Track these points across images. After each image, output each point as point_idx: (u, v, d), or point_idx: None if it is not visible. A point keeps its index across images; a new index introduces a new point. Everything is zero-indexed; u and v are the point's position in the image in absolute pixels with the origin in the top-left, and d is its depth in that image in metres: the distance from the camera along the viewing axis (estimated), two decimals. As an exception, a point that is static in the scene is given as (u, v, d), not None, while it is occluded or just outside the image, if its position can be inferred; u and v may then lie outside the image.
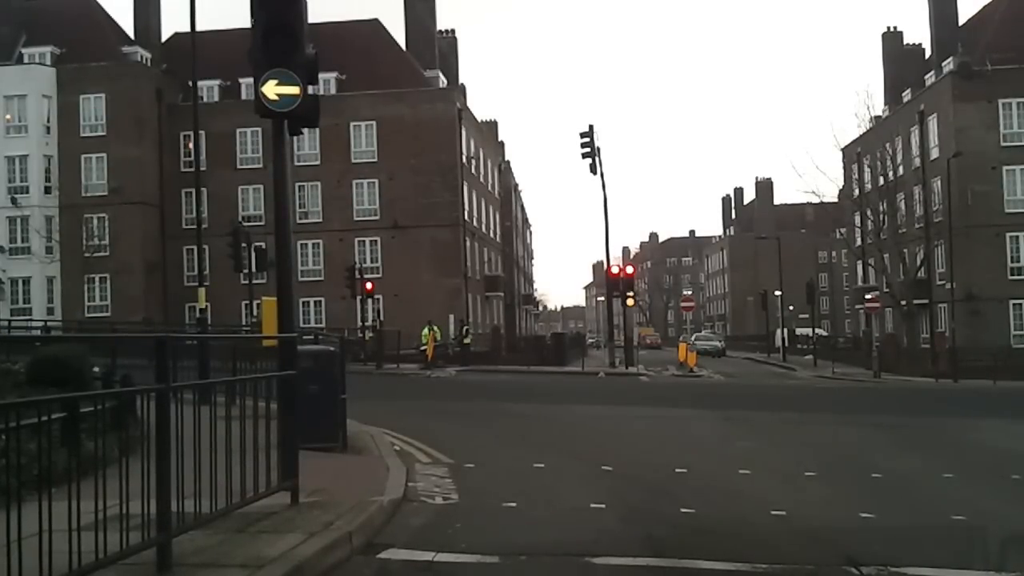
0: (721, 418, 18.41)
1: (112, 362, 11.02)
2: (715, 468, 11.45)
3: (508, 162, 71.16)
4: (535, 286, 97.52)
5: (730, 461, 11.86)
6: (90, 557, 4.68)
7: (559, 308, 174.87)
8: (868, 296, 42.11)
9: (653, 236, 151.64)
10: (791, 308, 66.97)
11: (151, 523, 5.25)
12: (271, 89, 7.70)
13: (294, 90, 7.73)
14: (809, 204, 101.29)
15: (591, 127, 36.75)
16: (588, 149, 37.07)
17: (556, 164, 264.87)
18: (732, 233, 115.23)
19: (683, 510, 8.53)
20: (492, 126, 66.71)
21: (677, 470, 10.86)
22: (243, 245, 31.23)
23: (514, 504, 8.67)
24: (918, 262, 45.97)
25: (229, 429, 6.38)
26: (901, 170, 47.51)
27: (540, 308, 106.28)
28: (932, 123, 46.46)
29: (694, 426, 17.03)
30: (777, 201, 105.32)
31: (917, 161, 47.23)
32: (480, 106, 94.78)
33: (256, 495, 6.69)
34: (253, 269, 32.66)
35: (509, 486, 9.63)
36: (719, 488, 9.98)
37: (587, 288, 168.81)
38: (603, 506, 8.67)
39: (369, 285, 38.38)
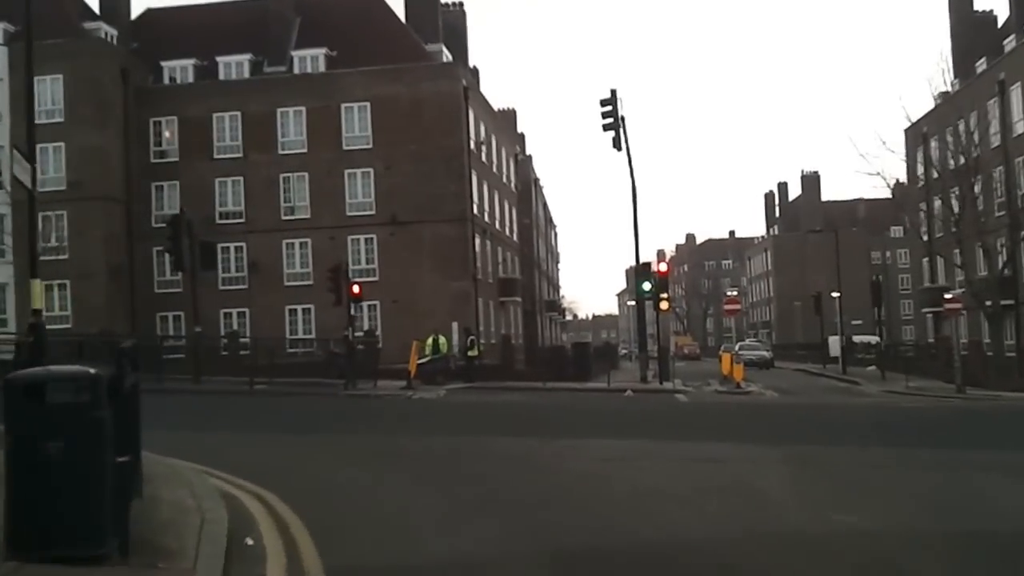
0: (791, 460, 12.66)
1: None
2: (799, 564, 6.96)
3: (529, 156, 65.17)
4: (562, 292, 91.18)
5: (820, 550, 7.32)
6: None
7: (591, 317, 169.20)
8: (947, 296, 35.53)
9: (690, 237, 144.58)
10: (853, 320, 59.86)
11: None
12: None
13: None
14: (861, 200, 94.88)
15: (613, 92, 30.41)
16: (611, 119, 30.77)
17: (590, 171, 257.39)
18: (776, 232, 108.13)
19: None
20: (509, 115, 60.72)
21: (727, 563, 6.74)
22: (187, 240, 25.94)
23: None
24: (1002, 257, 39.24)
25: None
26: (977, 150, 40.83)
27: (569, 316, 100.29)
28: (1015, 94, 39.94)
29: (754, 475, 11.25)
30: (825, 197, 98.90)
31: (997, 139, 40.63)
32: (504, 101, 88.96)
33: None
34: (199, 268, 27.32)
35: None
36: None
37: (620, 295, 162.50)
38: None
39: (356, 288, 32.49)
